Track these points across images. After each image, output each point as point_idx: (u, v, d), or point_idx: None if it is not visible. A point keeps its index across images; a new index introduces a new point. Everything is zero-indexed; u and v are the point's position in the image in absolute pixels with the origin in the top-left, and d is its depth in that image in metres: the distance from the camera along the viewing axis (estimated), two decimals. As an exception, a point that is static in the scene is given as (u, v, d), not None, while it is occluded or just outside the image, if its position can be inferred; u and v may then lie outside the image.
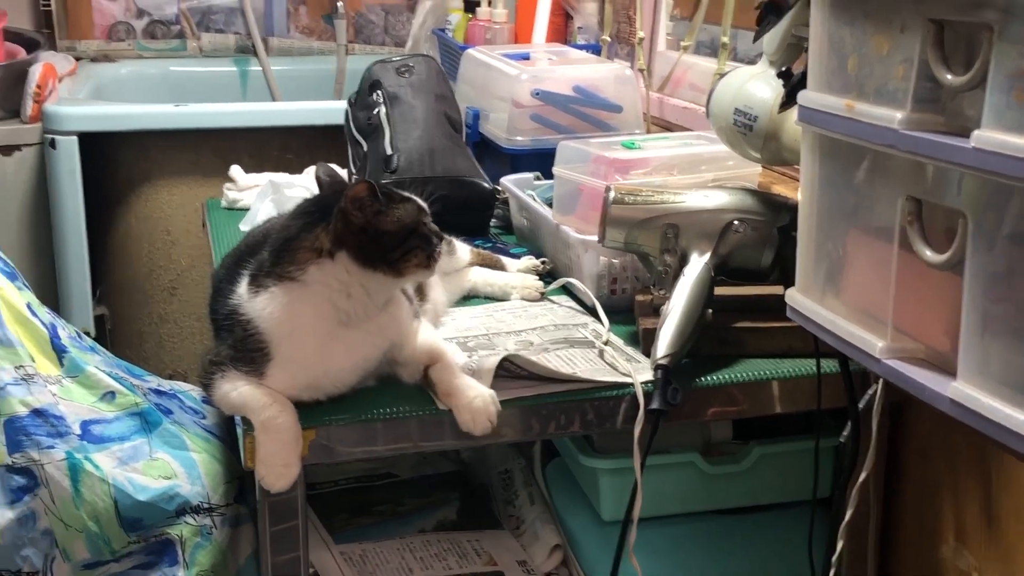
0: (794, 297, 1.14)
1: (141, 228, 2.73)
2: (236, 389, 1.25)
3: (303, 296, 1.26)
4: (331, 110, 2.24)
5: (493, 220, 1.95)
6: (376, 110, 1.94)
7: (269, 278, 1.27)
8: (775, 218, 1.41)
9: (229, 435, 1.79)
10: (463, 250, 1.66)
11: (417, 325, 1.36)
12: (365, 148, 1.93)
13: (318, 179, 1.39)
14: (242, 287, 1.29)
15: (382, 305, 1.30)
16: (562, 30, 2.70)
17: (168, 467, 1.67)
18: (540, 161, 1.89)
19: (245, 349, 1.26)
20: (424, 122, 1.91)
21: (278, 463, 1.23)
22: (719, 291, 1.40)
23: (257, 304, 1.27)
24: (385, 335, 1.31)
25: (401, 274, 1.28)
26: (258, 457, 1.23)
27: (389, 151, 1.86)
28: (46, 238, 2.69)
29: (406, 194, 1.32)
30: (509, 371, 1.32)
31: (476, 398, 1.28)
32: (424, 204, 1.33)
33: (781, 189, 1.69)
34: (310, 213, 1.30)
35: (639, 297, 1.48)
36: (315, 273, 1.25)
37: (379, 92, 1.96)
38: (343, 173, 1.54)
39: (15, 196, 2.70)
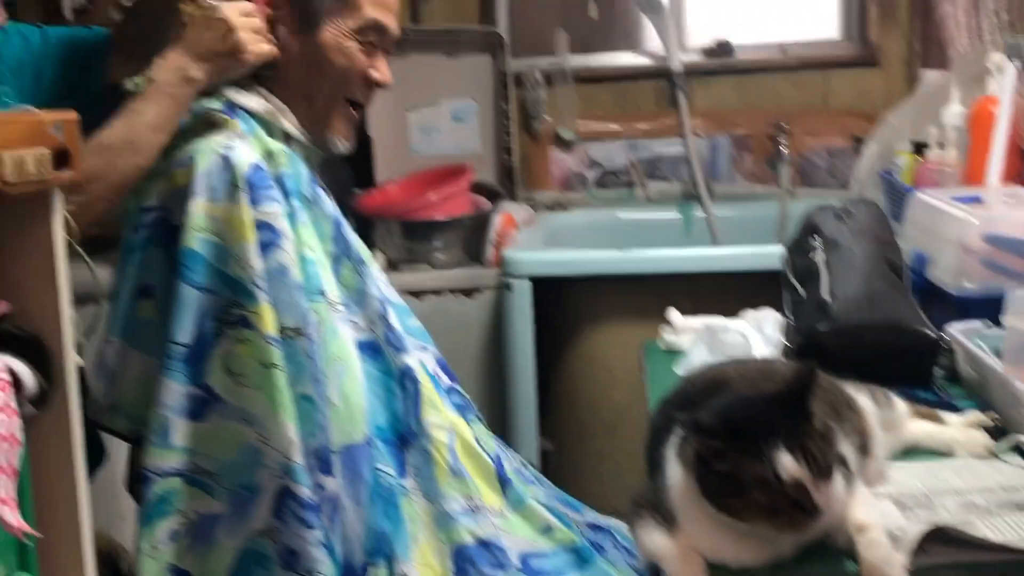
0: None
1: (584, 367, 2.86)
2: (651, 537, 1.26)
3: (693, 493, 1.22)
4: (768, 255, 2.25)
5: (938, 370, 1.85)
6: (813, 255, 1.92)
7: (682, 452, 1.25)
8: None
9: (657, 576, 1.80)
10: (900, 402, 1.58)
11: (851, 490, 1.24)
12: (801, 294, 1.92)
13: (788, 376, 1.27)
14: (671, 442, 1.29)
15: None
16: (1018, 171, 2.55)
17: (600, 604, 1.70)
18: (991, 308, 1.78)
19: (661, 503, 1.27)
20: (863, 267, 1.86)
21: None
22: None
23: (671, 470, 1.26)
24: (806, 533, 1.21)
25: (741, 519, 1.18)
26: None
27: (825, 297, 1.83)
28: (499, 373, 2.88)
29: (772, 453, 1.15)
30: (942, 538, 1.24)
31: None
32: (795, 475, 1.15)
33: None
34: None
35: (1103, 461, 1.34)
36: (691, 480, 1.22)
37: (817, 237, 1.94)
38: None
39: (474, 334, 2.94)
